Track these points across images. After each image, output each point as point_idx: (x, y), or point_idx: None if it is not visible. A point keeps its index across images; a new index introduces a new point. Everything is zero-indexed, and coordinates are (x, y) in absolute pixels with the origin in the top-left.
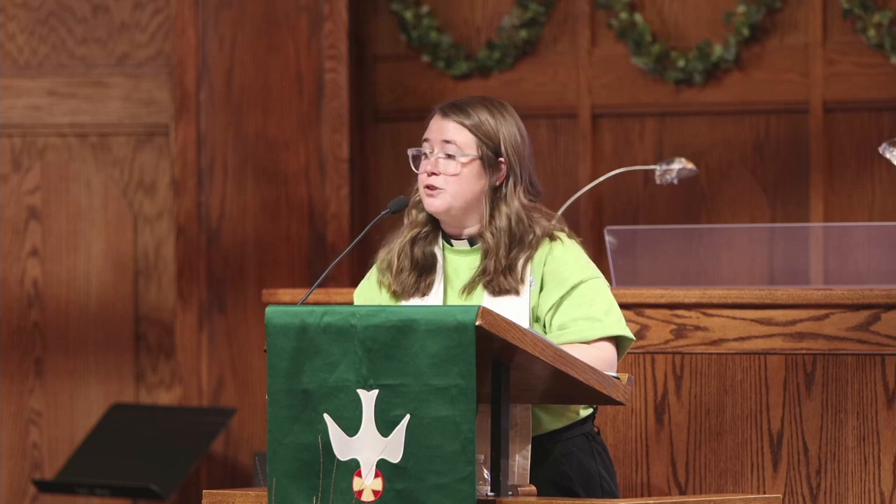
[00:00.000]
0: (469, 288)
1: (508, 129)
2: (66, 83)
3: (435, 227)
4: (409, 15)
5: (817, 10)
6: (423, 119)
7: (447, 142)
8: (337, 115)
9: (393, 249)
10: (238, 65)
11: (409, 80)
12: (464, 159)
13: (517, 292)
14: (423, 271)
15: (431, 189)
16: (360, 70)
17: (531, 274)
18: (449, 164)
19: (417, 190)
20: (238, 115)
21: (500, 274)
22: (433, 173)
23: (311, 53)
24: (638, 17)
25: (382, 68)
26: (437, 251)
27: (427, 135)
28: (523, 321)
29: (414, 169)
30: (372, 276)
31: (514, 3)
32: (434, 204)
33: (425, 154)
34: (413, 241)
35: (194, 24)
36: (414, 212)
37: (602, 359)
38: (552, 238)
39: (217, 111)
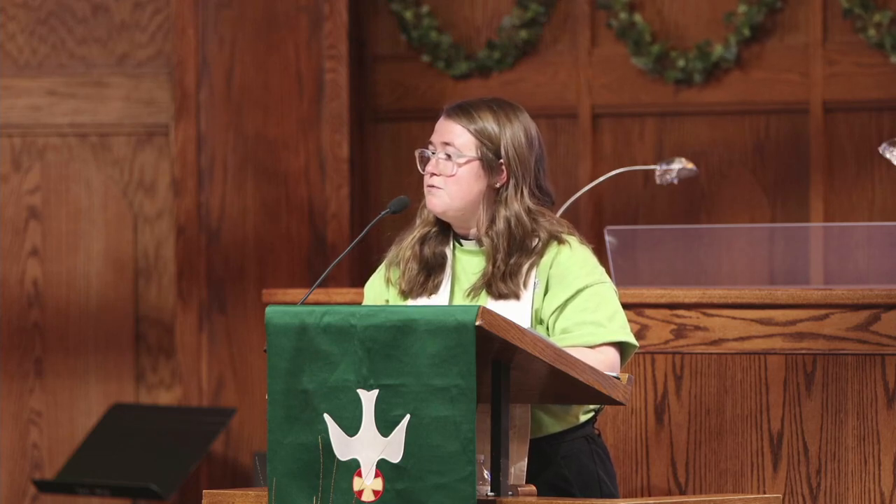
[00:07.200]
0: (474, 291)
1: (513, 131)
2: (66, 83)
3: (446, 225)
4: (409, 15)
5: (817, 9)
6: (423, 119)
7: (447, 143)
8: (337, 115)
9: (403, 247)
10: (238, 65)
11: (409, 80)
12: (460, 160)
13: (517, 297)
14: (431, 270)
15: (431, 188)
16: (360, 70)
17: (536, 276)
18: (447, 165)
19: None
20: (238, 115)
21: (498, 279)
22: (434, 174)
23: (311, 53)
24: (637, 18)
25: (382, 68)
26: (448, 251)
27: (432, 136)
28: (525, 323)
29: (420, 169)
30: (381, 272)
31: (514, 3)
32: (431, 202)
33: (429, 155)
34: (423, 240)
35: (194, 24)
36: (426, 211)
37: (604, 363)
38: (560, 241)
39: (217, 111)
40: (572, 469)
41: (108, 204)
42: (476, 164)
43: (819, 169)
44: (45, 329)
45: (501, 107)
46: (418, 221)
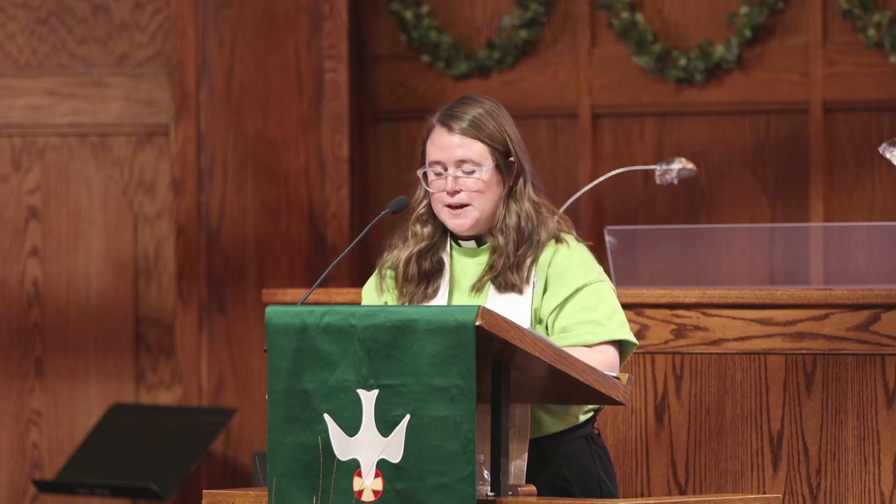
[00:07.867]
0: (478, 286)
1: (509, 125)
2: (66, 83)
3: (442, 235)
4: (409, 15)
5: (817, 10)
6: (422, 119)
7: (462, 161)
8: (337, 115)
9: (398, 262)
10: (238, 65)
11: (409, 80)
12: (485, 174)
13: (520, 290)
14: (430, 278)
15: (456, 208)
16: (360, 70)
17: (535, 275)
18: (469, 180)
19: (422, 202)
20: (238, 115)
21: (506, 270)
22: (455, 191)
23: (311, 53)
24: (639, 17)
25: (382, 68)
26: (445, 256)
27: (436, 156)
28: (525, 319)
29: (427, 187)
30: (375, 279)
31: (514, 3)
32: (463, 223)
33: (437, 173)
34: (420, 255)
35: (194, 24)
36: (418, 226)
37: (603, 362)
38: (558, 240)
39: (217, 111)
40: (572, 469)
41: (108, 204)
42: (495, 171)
43: (819, 169)
44: (45, 329)
45: (485, 103)
46: (410, 236)
